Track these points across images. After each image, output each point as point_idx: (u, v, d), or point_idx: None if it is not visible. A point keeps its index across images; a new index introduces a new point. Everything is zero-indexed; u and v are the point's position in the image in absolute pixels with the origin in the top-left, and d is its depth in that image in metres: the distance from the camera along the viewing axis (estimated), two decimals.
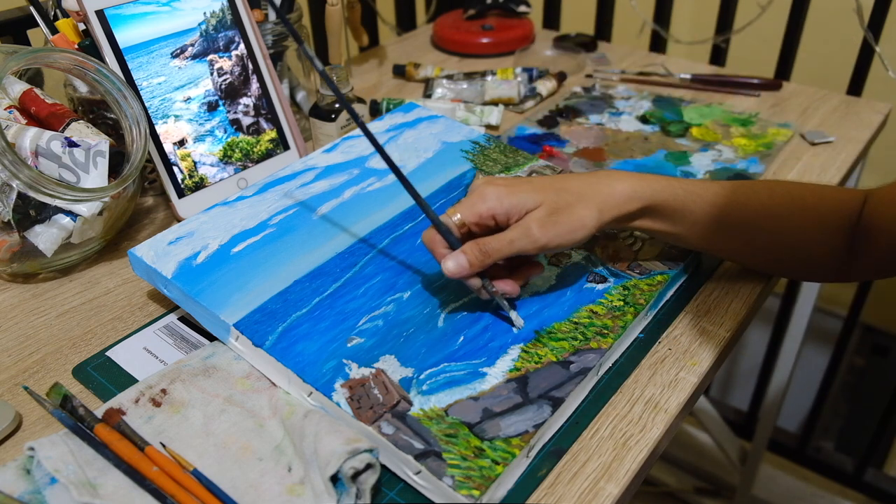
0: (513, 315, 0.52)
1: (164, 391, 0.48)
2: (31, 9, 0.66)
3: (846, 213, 0.55)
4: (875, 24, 0.93)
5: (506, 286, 0.52)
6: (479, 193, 0.51)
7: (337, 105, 0.76)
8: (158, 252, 0.55)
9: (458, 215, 0.51)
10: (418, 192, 0.50)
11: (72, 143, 0.58)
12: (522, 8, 1.11)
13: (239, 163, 0.72)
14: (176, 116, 0.68)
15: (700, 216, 0.54)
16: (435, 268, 0.56)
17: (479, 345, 0.50)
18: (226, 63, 0.71)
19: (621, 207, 0.52)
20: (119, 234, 0.68)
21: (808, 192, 0.56)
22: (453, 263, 0.50)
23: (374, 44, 1.15)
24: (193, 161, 0.69)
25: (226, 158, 0.71)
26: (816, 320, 1.31)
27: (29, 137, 0.57)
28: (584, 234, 0.51)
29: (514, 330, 0.52)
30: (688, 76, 0.95)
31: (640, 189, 0.53)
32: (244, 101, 0.72)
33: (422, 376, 0.48)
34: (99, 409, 0.47)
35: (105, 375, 0.52)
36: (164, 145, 0.67)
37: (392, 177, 0.65)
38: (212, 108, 0.70)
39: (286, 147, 0.75)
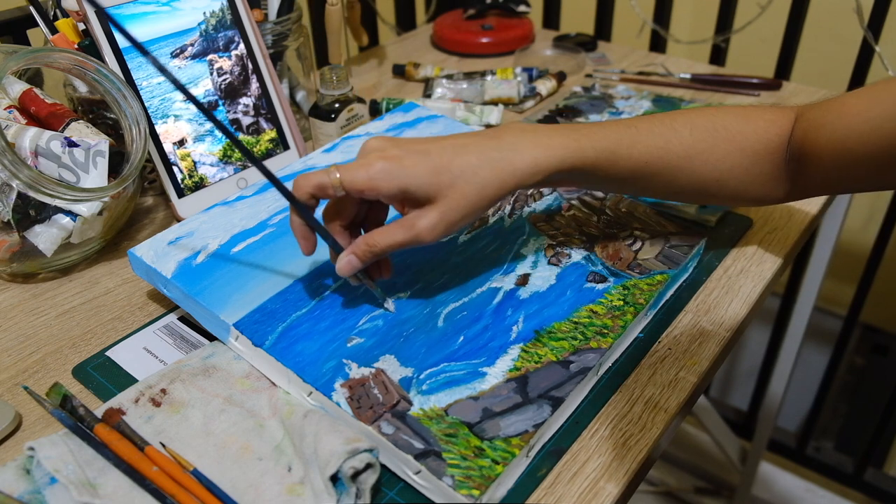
0: (388, 303, 0.53)
1: (163, 391, 0.48)
2: (31, 9, 0.66)
3: (775, 134, 0.53)
4: (875, 24, 0.93)
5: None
6: (364, 165, 0.46)
7: (337, 105, 0.76)
8: (158, 252, 0.55)
9: (338, 174, 0.46)
10: (272, 173, 0.46)
11: (71, 143, 0.58)
12: (522, 8, 1.11)
13: (238, 163, 0.72)
14: (176, 116, 0.68)
15: (614, 173, 0.52)
16: (435, 267, 0.57)
17: (478, 344, 0.50)
18: (225, 63, 0.71)
19: (521, 182, 0.49)
20: (119, 233, 0.68)
21: (731, 117, 0.54)
22: (346, 266, 0.49)
23: (373, 43, 1.15)
24: (193, 161, 0.69)
25: (225, 158, 0.71)
26: (816, 320, 1.31)
27: (29, 137, 0.57)
28: (475, 221, 0.50)
29: (390, 312, 0.52)
30: (687, 76, 0.95)
31: (543, 161, 0.49)
32: (244, 100, 0.72)
33: (422, 376, 0.48)
34: (99, 409, 0.47)
35: (105, 375, 0.52)
36: (164, 145, 0.67)
37: None
38: (211, 107, 0.70)
39: (286, 147, 0.75)
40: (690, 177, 0.54)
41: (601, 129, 0.52)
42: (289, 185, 0.48)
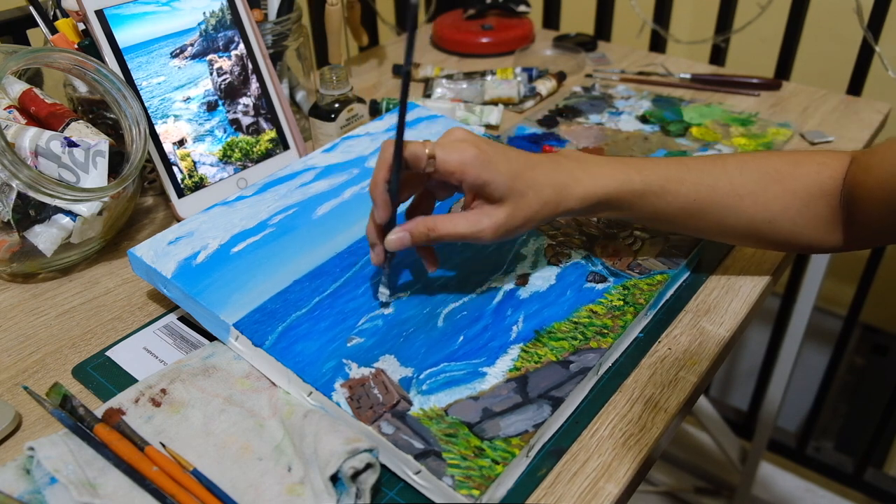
0: (385, 296, 0.53)
1: (163, 391, 0.48)
2: (31, 9, 0.66)
3: (828, 176, 0.53)
4: (875, 24, 0.93)
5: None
6: (459, 149, 0.47)
7: (337, 105, 0.76)
8: (158, 252, 0.55)
9: (430, 150, 0.47)
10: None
11: (71, 143, 0.58)
12: (522, 8, 1.11)
13: (238, 163, 0.72)
14: (175, 116, 0.68)
15: (661, 207, 0.53)
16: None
17: (478, 345, 0.50)
18: (225, 63, 0.71)
19: (571, 208, 0.51)
20: (119, 233, 0.68)
21: (782, 161, 0.54)
22: (397, 241, 0.49)
23: (373, 44, 1.15)
24: (193, 161, 0.69)
25: (225, 158, 0.71)
26: (816, 320, 1.31)
27: (28, 137, 0.57)
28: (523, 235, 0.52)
29: (380, 300, 0.52)
30: (687, 76, 0.95)
31: (592, 189, 0.51)
32: (244, 100, 0.72)
33: (421, 376, 0.48)
34: (99, 409, 0.47)
35: (105, 375, 0.52)
36: (164, 145, 0.67)
37: None
38: (211, 107, 0.70)
39: (286, 147, 0.75)
40: (740, 217, 0.54)
41: (652, 164, 0.53)
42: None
